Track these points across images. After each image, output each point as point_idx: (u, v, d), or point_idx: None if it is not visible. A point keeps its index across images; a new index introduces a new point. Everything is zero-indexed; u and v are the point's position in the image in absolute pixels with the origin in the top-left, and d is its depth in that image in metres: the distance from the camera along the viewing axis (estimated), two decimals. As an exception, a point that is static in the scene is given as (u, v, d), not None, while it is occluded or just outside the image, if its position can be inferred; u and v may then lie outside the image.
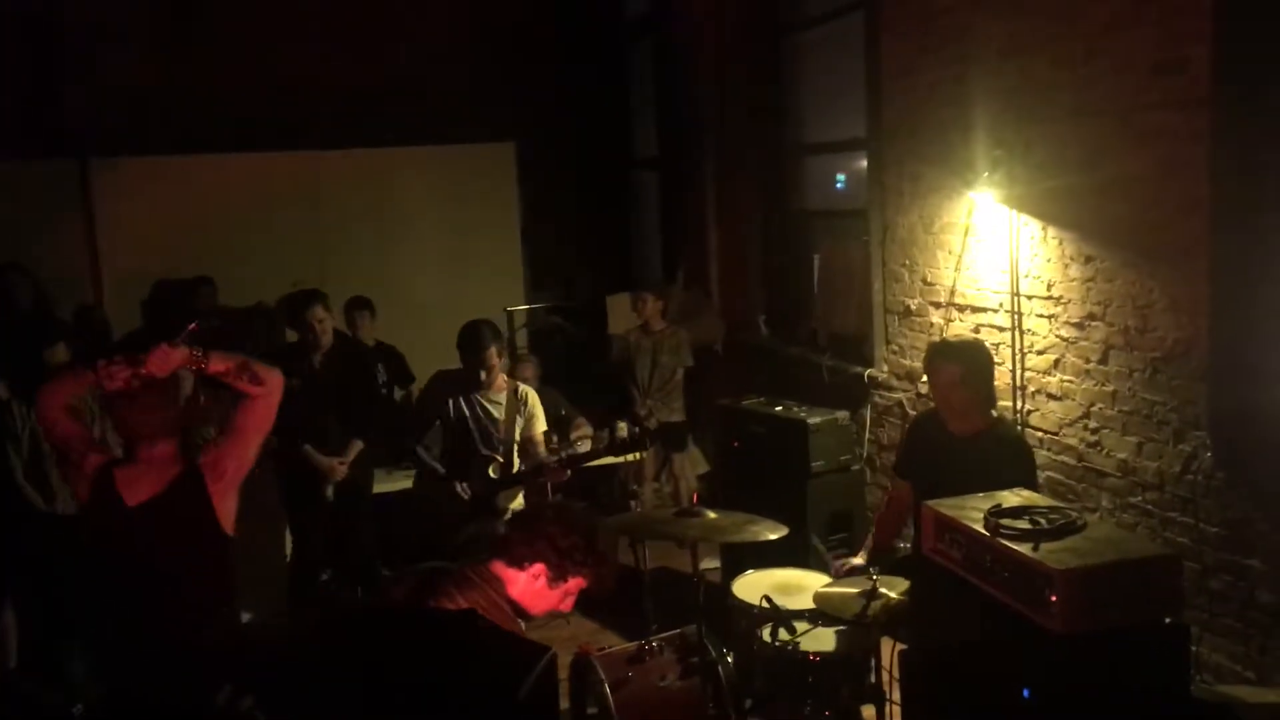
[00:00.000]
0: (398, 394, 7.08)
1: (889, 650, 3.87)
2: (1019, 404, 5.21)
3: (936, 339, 5.39)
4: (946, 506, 3.42)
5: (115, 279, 7.67)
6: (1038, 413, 5.13)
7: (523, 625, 3.31)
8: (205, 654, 3.39)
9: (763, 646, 4.14)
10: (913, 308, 6.04)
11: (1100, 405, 4.75)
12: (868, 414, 6.40)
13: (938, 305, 5.81)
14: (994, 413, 4.43)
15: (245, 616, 5.90)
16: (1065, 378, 4.94)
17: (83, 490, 3.51)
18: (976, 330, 5.51)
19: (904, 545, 5.04)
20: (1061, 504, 3.65)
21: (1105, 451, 4.74)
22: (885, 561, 4.41)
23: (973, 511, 3.33)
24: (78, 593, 4.27)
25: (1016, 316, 5.18)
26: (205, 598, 3.57)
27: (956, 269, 5.62)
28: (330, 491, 5.88)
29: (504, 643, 2.65)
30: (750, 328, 7.97)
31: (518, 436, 5.36)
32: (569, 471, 5.31)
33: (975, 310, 5.52)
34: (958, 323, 5.65)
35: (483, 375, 5.23)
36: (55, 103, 8.46)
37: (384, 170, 8.46)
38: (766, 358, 7.61)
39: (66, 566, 4.67)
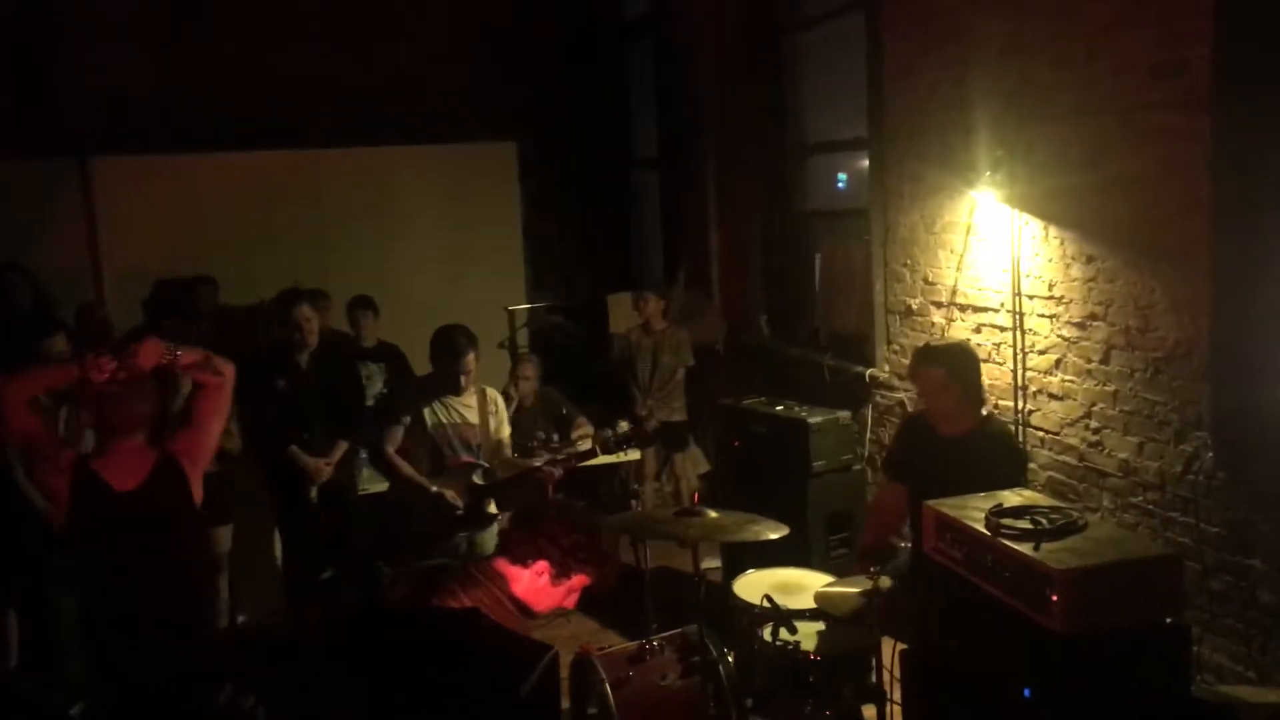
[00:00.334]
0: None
1: (890, 650, 3.87)
2: (1020, 404, 5.21)
3: (929, 341, 5.35)
4: (947, 506, 3.43)
5: (116, 278, 7.65)
6: (1039, 412, 5.13)
7: (528, 623, 3.31)
8: (201, 642, 3.44)
9: (764, 646, 4.14)
10: (914, 307, 6.04)
11: (1101, 405, 4.75)
12: (869, 414, 6.39)
13: (939, 305, 5.81)
14: (984, 410, 4.43)
15: (241, 618, 5.96)
16: (1066, 378, 4.94)
17: (59, 485, 3.58)
18: (978, 330, 5.51)
19: (905, 545, 5.04)
20: (1062, 504, 3.66)
21: (1106, 451, 4.74)
22: (884, 559, 4.41)
23: (974, 511, 3.34)
24: (73, 590, 4.38)
25: (1018, 316, 5.18)
26: (193, 577, 3.80)
27: (958, 269, 5.62)
28: (314, 493, 5.86)
29: (505, 641, 2.65)
30: (751, 327, 7.97)
31: (494, 437, 5.37)
32: (559, 472, 5.31)
33: (977, 310, 5.52)
34: (959, 322, 5.65)
35: (461, 380, 5.21)
36: (56, 102, 8.45)
37: (385, 169, 8.45)
38: (768, 357, 7.61)
39: (65, 565, 4.74)
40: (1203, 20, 4.03)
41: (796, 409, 6.11)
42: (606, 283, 9.05)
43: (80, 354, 3.82)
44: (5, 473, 5.18)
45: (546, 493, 5.61)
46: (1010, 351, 5.24)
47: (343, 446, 5.88)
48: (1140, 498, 4.58)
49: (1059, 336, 4.96)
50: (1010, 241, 5.15)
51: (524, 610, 3.29)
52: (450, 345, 5.17)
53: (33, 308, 6.73)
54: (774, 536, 3.98)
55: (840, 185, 7.43)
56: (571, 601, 3.44)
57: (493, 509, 5.26)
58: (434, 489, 5.13)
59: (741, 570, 4.84)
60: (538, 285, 9.29)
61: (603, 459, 7.01)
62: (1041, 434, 5.13)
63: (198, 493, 3.77)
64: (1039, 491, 4.69)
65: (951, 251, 5.66)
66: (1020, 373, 5.19)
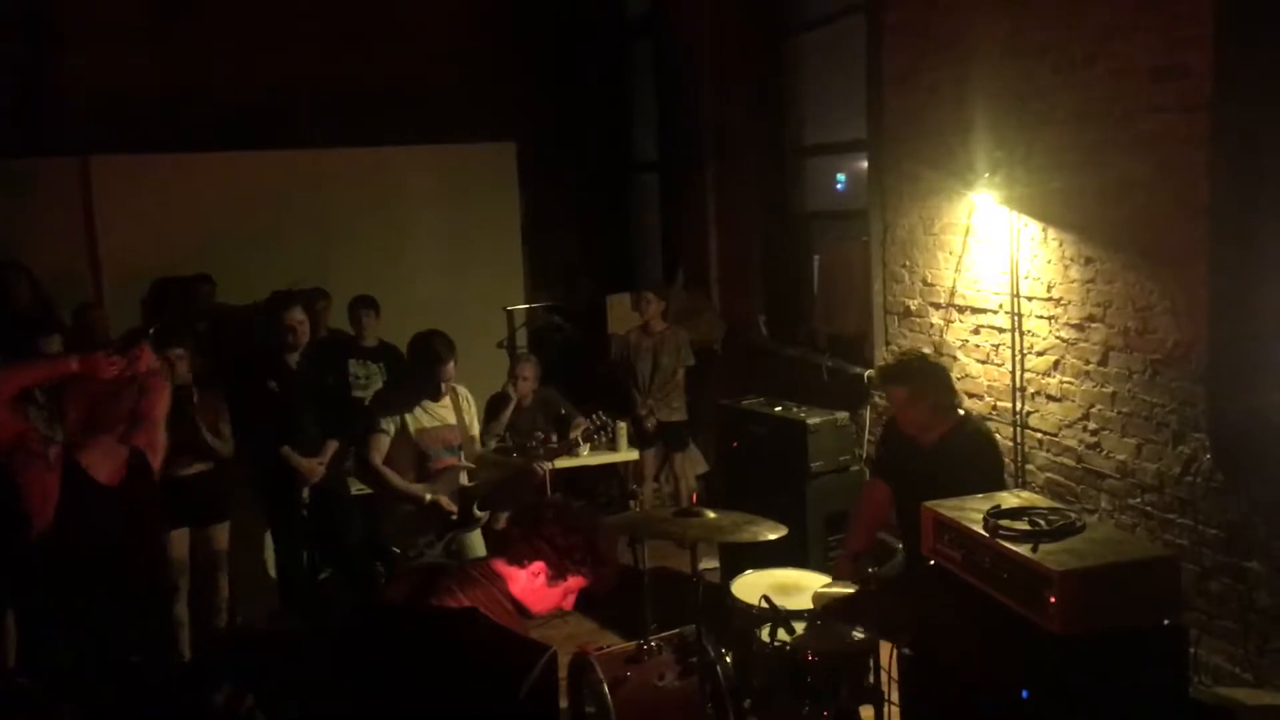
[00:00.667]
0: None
1: (888, 651, 3.87)
2: (1018, 405, 5.21)
3: (888, 360, 5.24)
4: (946, 508, 3.44)
5: (114, 277, 7.64)
6: (1037, 414, 5.14)
7: (526, 623, 3.31)
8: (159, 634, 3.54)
9: (761, 646, 4.14)
10: (913, 308, 6.05)
11: (1100, 407, 4.76)
12: (867, 414, 6.40)
13: (938, 306, 5.82)
14: (960, 410, 4.44)
15: (239, 618, 5.95)
16: (1065, 379, 4.95)
17: (51, 482, 3.64)
18: (976, 331, 5.51)
19: (899, 545, 5.04)
20: (1061, 505, 3.67)
21: (1104, 453, 4.75)
22: (879, 562, 4.42)
23: (972, 513, 3.34)
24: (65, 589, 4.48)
25: (1016, 318, 5.19)
26: (161, 564, 4.14)
27: (956, 270, 5.62)
28: (305, 493, 5.86)
29: (504, 641, 2.65)
30: (750, 328, 7.97)
31: (468, 433, 5.38)
32: (546, 466, 5.33)
33: (975, 311, 5.52)
34: (958, 323, 5.66)
35: (442, 388, 5.23)
36: (55, 100, 8.46)
37: (385, 169, 8.45)
38: (766, 358, 7.61)
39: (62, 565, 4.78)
40: (1203, 25, 4.04)
41: (795, 410, 6.11)
42: (606, 283, 9.05)
43: (84, 351, 3.91)
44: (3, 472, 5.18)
45: (541, 490, 5.62)
46: (1009, 353, 5.24)
47: (334, 446, 5.88)
48: (1138, 499, 4.58)
49: (1057, 338, 4.97)
50: (1009, 243, 5.15)
51: (522, 610, 3.29)
52: (431, 353, 5.18)
53: (31, 305, 6.73)
54: (772, 537, 3.99)
55: (839, 187, 7.44)
56: (569, 603, 3.44)
57: (478, 512, 5.26)
58: (428, 497, 5.14)
59: (740, 571, 4.83)
60: (537, 285, 9.29)
61: (599, 458, 7.09)
62: (1039, 435, 5.13)
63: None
64: (1037, 493, 4.70)
65: (950, 253, 5.67)
66: (1018, 374, 5.20)
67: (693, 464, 7.61)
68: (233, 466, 5.74)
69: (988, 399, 5.48)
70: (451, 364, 5.20)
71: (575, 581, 3.35)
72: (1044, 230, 4.98)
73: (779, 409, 6.20)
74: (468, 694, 2.33)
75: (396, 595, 3.33)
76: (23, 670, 5.19)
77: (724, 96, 8.07)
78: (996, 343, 5.37)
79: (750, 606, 4.33)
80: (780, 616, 4.09)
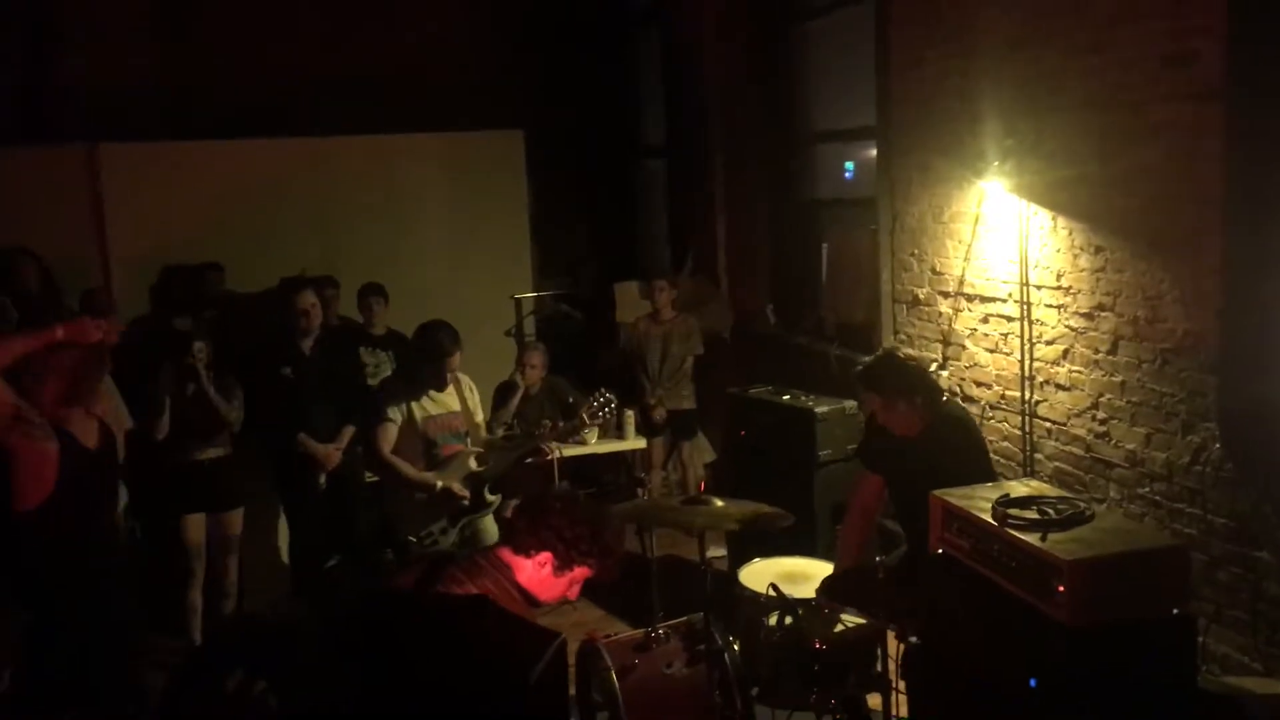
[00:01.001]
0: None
1: (895, 639, 3.87)
2: (1027, 394, 5.20)
3: (860, 364, 5.08)
4: (954, 496, 3.44)
5: (123, 264, 7.66)
6: (1046, 403, 5.13)
7: (533, 612, 3.32)
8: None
9: (769, 634, 4.15)
10: (921, 297, 6.03)
11: (1109, 396, 4.74)
12: (875, 404, 6.38)
13: (946, 295, 5.80)
14: (944, 396, 4.43)
15: (250, 602, 5.98)
16: (1074, 368, 4.93)
17: (51, 452, 3.78)
18: (985, 320, 5.50)
19: (890, 523, 5.04)
20: (1069, 494, 3.66)
21: (1113, 442, 4.74)
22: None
23: (981, 501, 3.34)
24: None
25: (1025, 306, 5.17)
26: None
27: (966, 258, 5.61)
28: (323, 479, 5.88)
29: (514, 628, 2.66)
30: (758, 317, 7.96)
31: (473, 419, 5.39)
32: (555, 448, 5.34)
33: (984, 300, 5.51)
34: (966, 312, 5.64)
35: (447, 379, 5.25)
36: (64, 88, 8.46)
37: (392, 157, 8.44)
38: (774, 347, 7.60)
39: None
40: (1214, 12, 4.01)
41: (803, 398, 6.12)
42: (613, 271, 9.04)
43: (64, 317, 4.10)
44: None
45: (548, 476, 5.62)
46: (1017, 342, 5.23)
47: (349, 431, 5.90)
48: (1147, 489, 4.57)
49: (1066, 327, 4.95)
50: (1018, 232, 5.14)
51: (529, 599, 3.30)
52: (437, 346, 5.19)
53: (40, 291, 6.74)
54: (780, 526, 3.99)
55: (848, 174, 7.41)
56: (574, 593, 3.45)
57: (489, 495, 5.27)
58: (439, 484, 5.14)
59: (747, 559, 4.85)
60: (544, 274, 9.28)
61: (607, 446, 7.10)
62: (1048, 424, 5.12)
63: None
64: (1045, 482, 4.70)
65: (959, 241, 5.65)
66: (1027, 363, 5.19)
67: (700, 453, 7.62)
68: (248, 452, 5.77)
69: (996, 388, 5.47)
70: (456, 357, 5.22)
71: (581, 572, 3.36)
72: (1054, 219, 4.96)
73: (787, 398, 6.21)
74: (477, 681, 2.33)
75: (404, 583, 3.35)
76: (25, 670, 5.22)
77: (732, 83, 8.05)
78: (1005, 331, 5.36)
79: (758, 595, 4.34)
80: (788, 604, 4.09)
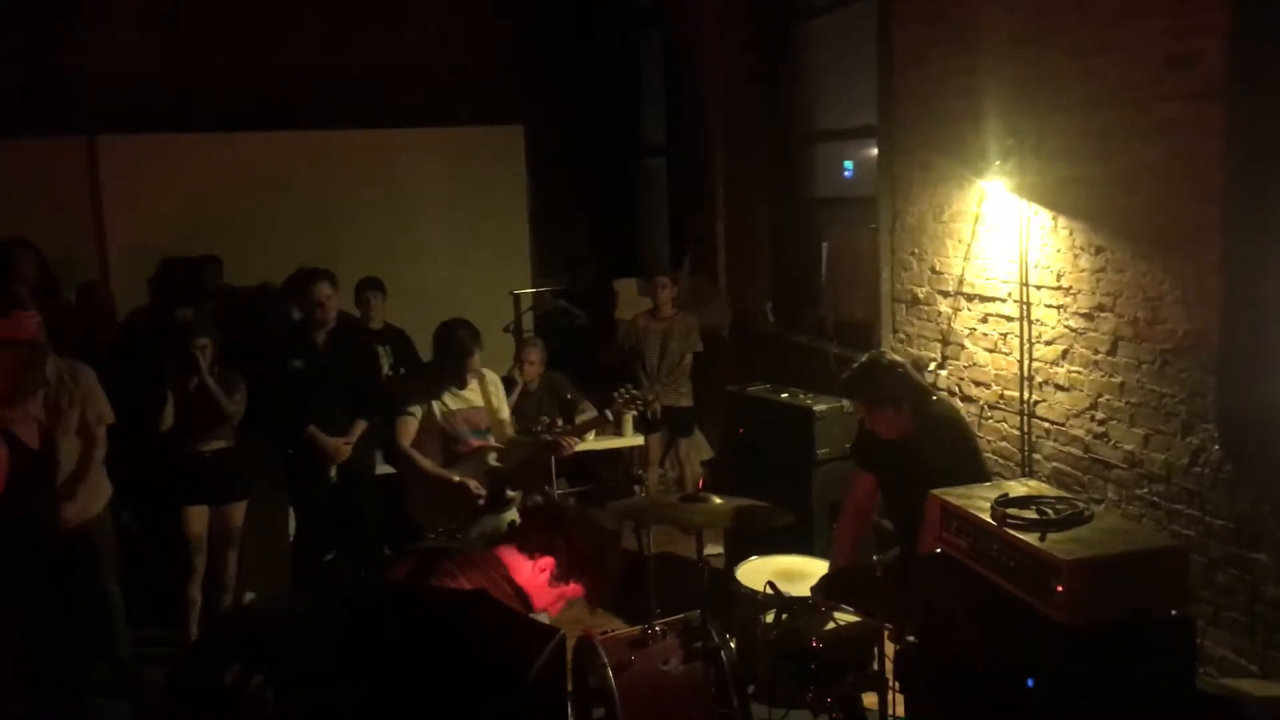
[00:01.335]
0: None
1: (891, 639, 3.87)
2: (1026, 394, 5.20)
3: (843, 373, 5.01)
4: (953, 496, 3.43)
5: (121, 256, 7.65)
6: (1045, 403, 5.12)
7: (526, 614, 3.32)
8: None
9: (766, 632, 4.14)
10: (921, 296, 6.03)
11: (1108, 396, 4.74)
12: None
13: (946, 294, 5.80)
14: (934, 396, 4.42)
15: (249, 595, 5.98)
16: (1073, 368, 4.93)
17: (3, 455, 3.81)
18: (984, 319, 5.50)
19: (886, 522, 5.03)
20: (1068, 494, 3.66)
21: (1112, 443, 4.74)
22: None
23: (979, 501, 3.33)
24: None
25: (1025, 306, 5.17)
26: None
27: (966, 258, 5.60)
28: (334, 472, 5.87)
29: (512, 623, 2.65)
30: (758, 315, 7.96)
31: (496, 416, 5.36)
32: (574, 442, 5.33)
33: (984, 300, 5.51)
34: (966, 312, 5.64)
35: (467, 378, 5.22)
36: (64, 79, 8.44)
37: (392, 152, 8.44)
38: (773, 345, 7.60)
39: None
40: (1217, 11, 4.01)
41: (801, 396, 6.12)
42: (612, 268, 9.04)
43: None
44: None
45: (546, 470, 5.58)
46: (1017, 341, 5.23)
47: (361, 425, 5.89)
48: (1145, 490, 4.57)
49: (1066, 327, 4.95)
50: (1019, 231, 5.13)
51: (524, 600, 3.30)
52: (457, 345, 5.16)
53: (38, 283, 6.73)
54: (778, 524, 3.99)
55: (847, 173, 7.41)
56: (556, 609, 3.45)
57: (510, 492, 5.24)
58: (456, 479, 5.11)
59: (744, 557, 4.84)
60: (543, 270, 9.28)
61: (604, 443, 7.08)
62: (1047, 424, 5.12)
63: None
64: (1044, 482, 4.69)
65: (959, 241, 5.65)
66: (1026, 363, 5.18)
67: (698, 450, 7.61)
68: (251, 445, 5.76)
69: (995, 387, 5.46)
70: (476, 357, 5.19)
71: (574, 589, 3.36)
72: (1054, 219, 4.96)
73: (785, 396, 6.21)
74: (476, 677, 2.33)
75: (396, 576, 3.34)
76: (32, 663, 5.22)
77: (732, 81, 8.04)
78: (1005, 331, 5.35)
79: (755, 592, 4.34)
80: (785, 602, 4.09)
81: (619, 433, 7.08)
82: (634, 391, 5.58)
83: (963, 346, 5.69)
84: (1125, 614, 2.94)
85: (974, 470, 4.02)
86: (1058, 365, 5.02)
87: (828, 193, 7.60)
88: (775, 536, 4.37)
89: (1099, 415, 4.80)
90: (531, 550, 3.26)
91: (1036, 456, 5.20)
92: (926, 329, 5.98)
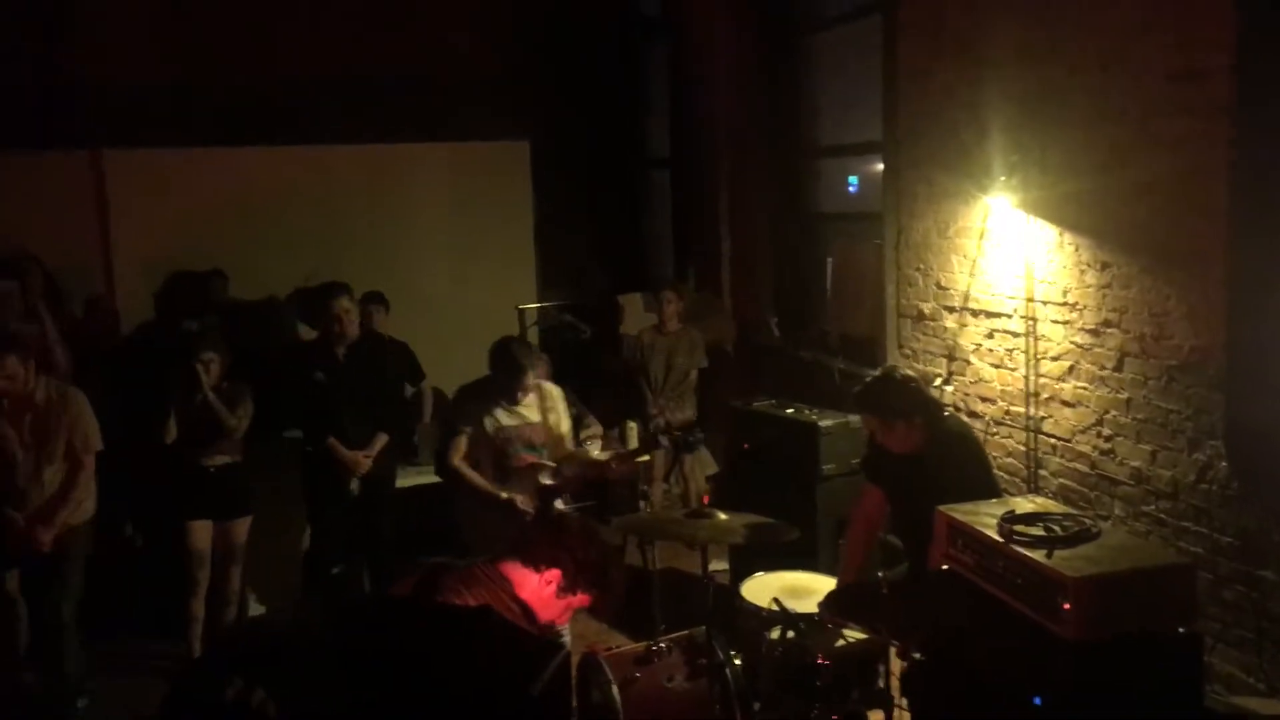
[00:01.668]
0: (408, 391, 7.07)
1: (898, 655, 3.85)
2: (1032, 410, 5.19)
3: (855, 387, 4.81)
4: (959, 512, 3.42)
5: (127, 270, 7.66)
6: (1051, 419, 5.11)
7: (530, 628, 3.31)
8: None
9: (771, 649, 4.13)
10: (926, 311, 6.02)
11: (1114, 413, 4.73)
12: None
13: (951, 310, 5.79)
14: (945, 411, 4.41)
15: (257, 607, 5.98)
16: (1079, 384, 4.92)
17: None
18: (990, 335, 5.49)
19: (893, 538, 5.02)
20: (1075, 511, 3.64)
21: (1119, 459, 4.72)
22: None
23: (986, 518, 3.32)
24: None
25: (1031, 322, 5.16)
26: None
27: (971, 273, 5.60)
28: (355, 485, 5.87)
29: (517, 639, 2.64)
30: (762, 329, 7.95)
31: (555, 432, 5.25)
32: (624, 469, 5.30)
33: (989, 315, 5.50)
34: (971, 328, 5.63)
35: (519, 396, 5.10)
36: (70, 94, 8.46)
37: (397, 166, 8.44)
38: (778, 360, 7.59)
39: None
40: (1223, 27, 4.01)
41: (807, 412, 6.10)
42: (617, 282, 9.04)
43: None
44: None
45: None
46: (1023, 357, 5.22)
47: (382, 439, 5.89)
48: (1152, 506, 4.55)
49: (1072, 343, 4.94)
50: (1024, 247, 5.13)
51: (528, 614, 3.29)
52: (513, 363, 5.04)
53: (43, 297, 6.74)
54: (783, 539, 3.97)
55: (853, 188, 7.41)
56: (565, 619, 3.44)
57: (560, 506, 5.18)
58: (504, 495, 4.99)
59: (749, 573, 4.83)
60: (548, 284, 9.27)
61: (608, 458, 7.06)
62: (1053, 441, 5.10)
63: None
64: (1050, 499, 4.67)
65: (965, 256, 5.64)
66: (1032, 379, 5.17)
67: (702, 465, 7.59)
68: (258, 459, 5.76)
69: (1001, 403, 5.45)
70: (530, 376, 5.07)
71: (580, 599, 3.35)
72: (1060, 234, 4.95)
73: (790, 411, 6.19)
74: (481, 692, 2.32)
75: (401, 591, 3.34)
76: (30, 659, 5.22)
77: (738, 96, 8.05)
78: (1010, 347, 5.34)
79: (760, 609, 4.32)
80: (790, 619, 4.08)
81: (624, 448, 7.05)
82: (665, 422, 5.54)
83: (968, 362, 5.68)
84: (1132, 631, 2.93)
85: (985, 486, 4.00)
86: (1064, 381, 5.01)
87: (832, 208, 7.60)
88: (780, 552, 4.35)
89: (1105, 431, 4.79)
90: (537, 563, 3.26)
91: (1043, 473, 5.19)
92: (932, 344, 5.97)
